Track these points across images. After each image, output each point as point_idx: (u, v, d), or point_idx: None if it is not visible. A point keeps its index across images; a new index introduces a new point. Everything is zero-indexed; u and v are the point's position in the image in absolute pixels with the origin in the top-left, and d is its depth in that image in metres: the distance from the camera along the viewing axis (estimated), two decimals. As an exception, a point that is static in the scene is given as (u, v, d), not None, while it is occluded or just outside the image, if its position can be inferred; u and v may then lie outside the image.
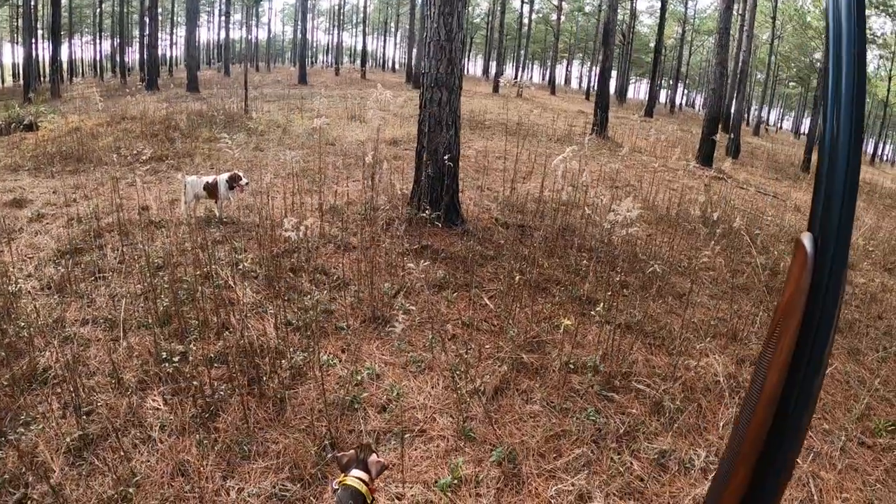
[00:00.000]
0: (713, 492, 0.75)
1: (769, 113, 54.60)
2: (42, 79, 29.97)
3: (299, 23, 33.27)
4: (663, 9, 30.25)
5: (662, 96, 48.83)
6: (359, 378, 3.52)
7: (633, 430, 3.24)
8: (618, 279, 4.95)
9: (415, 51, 30.65)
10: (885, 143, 49.55)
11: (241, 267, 5.07)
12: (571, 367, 3.75)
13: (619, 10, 21.82)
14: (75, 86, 30.39)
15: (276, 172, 8.57)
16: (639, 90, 69.95)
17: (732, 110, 21.69)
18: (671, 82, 47.41)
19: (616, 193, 8.63)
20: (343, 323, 4.19)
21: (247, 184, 6.56)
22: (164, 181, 8.59)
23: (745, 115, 37.86)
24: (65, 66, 41.06)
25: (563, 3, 43.01)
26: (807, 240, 0.64)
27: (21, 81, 25.53)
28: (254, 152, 10.84)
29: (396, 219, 6.12)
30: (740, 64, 21.13)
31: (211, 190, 6.47)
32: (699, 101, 65.27)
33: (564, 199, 5.93)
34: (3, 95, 26.42)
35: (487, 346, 3.98)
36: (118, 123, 13.24)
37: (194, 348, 3.78)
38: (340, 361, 3.72)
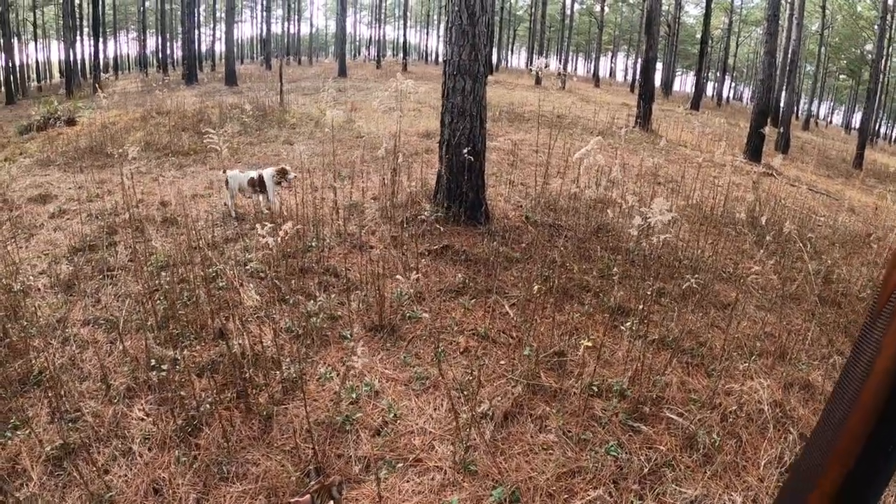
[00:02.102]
0: (794, 490, 0.67)
1: (819, 107, 52.33)
2: (86, 75, 30.70)
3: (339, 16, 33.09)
4: (709, -2, 29.12)
5: (709, 89, 47.41)
6: (354, 395, 3.19)
7: (659, 468, 2.80)
8: (654, 287, 4.50)
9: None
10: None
11: (249, 267, 4.83)
12: (595, 389, 3.32)
13: (663, -1, 20.98)
14: (119, 81, 30.99)
15: (301, 166, 8.36)
16: (685, 83, 68.07)
17: (782, 103, 20.67)
18: (718, 74, 45.96)
19: (657, 190, 8.12)
20: (347, 331, 3.87)
21: (294, 178, 6.31)
22: (188, 176, 8.46)
23: (795, 109, 36.25)
24: (111, 62, 42.24)
25: (607, -7, 42.03)
26: None
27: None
28: (283, 146, 10.68)
29: (417, 216, 5.78)
30: (790, 54, 20.13)
31: (256, 185, 6.23)
32: (747, 93, 63.32)
33: (591, 196, 5.48)
34: (49, 91, 27.16)
35: (502, 362, 3.57)
36: (152, 118, 13.25)
37: (187, 354, 3.54)
38: (338, 374, 3.39)
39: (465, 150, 5.56)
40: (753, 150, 13.90)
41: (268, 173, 6.21)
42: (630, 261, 5.29)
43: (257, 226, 2.64)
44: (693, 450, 2.97)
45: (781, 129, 18.16)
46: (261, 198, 6.35)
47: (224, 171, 6.33)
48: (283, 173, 6.17)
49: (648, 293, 4.11)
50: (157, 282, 4.54)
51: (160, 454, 2.81)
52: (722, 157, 11.68)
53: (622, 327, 3.93)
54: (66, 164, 9.18)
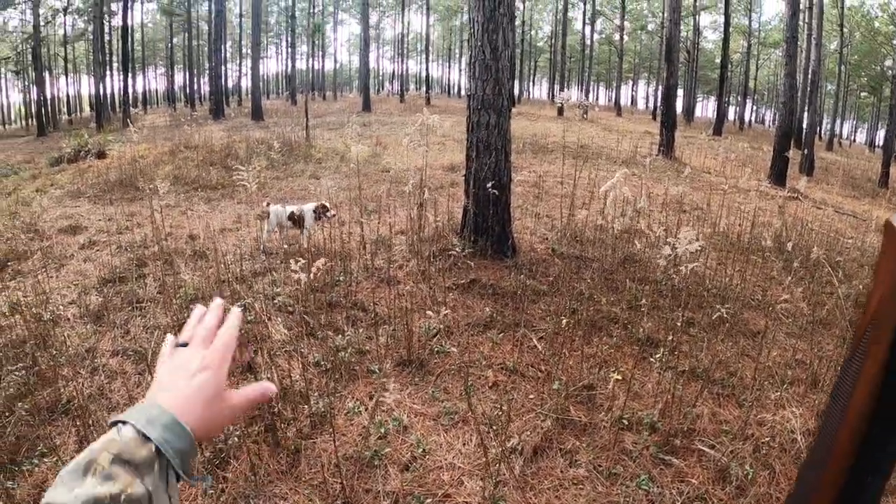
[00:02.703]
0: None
1: (842, 126, 51.77)
2: (115, 108, 31.62)
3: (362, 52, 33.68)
4: (727, 23, 29.17)
5: (731, 113, 47.24)
6: (383, 430, 3.19)
7: (692, 502, 2.75)
8: (683, 317, 4.46)
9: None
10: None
11: (277, 301, 4.89)
12: (625, 423, 3.28)
13: (681, 26, 21.07)
14: (148, 115, 31.83)
15: (329, 201, 8.49)
16: (706, 108, 67.99)
17: (804, 124, 20.46)
18: (739, 98, 45.78)
19: (683, 218, 8.08)
20: (375, 365, 3.89)
21: (334, 215, 6.35)
22: (216, 210, 8.62)
23: (818, 129, 35.86)
24: (140, 96, 43.52)
25: (626, 22, 42.34)
26: None
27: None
28: (310, 180, 10.84)
29: (445, 250, 5.82)
30: (810, 75, 19.98)
31: (296, 220, 6.33)
32: (769, 116, 63.03)
33: (618, 227, 5.47)
34: (79, 124, 28.00)
35: (531, 396, 3.55)
36: (181, 152, 13.57)
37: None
38: (367, 409, 3.41)
39: (491, 184, 5.61)
40: (778, 174, 13.76)
41: (308, 209, 6.29)
42: (658, 291, 5.26)
43: (291, 261, 2.69)
44: (726, 482, 2.91)
45: (805, 151, 17.99)
46: (300, 232, 6.44)
47: (267, 205, 6.43)
48: (323, 209, 6.22)
49: (678, 324, 4.08)
50: (185, 314, 4.60)
51: (187, 486, 2.80)
52: (747, 182, 11.64)
53: (652, 359, 3.88)
54: (96, 196, 9.41)
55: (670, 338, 4.14)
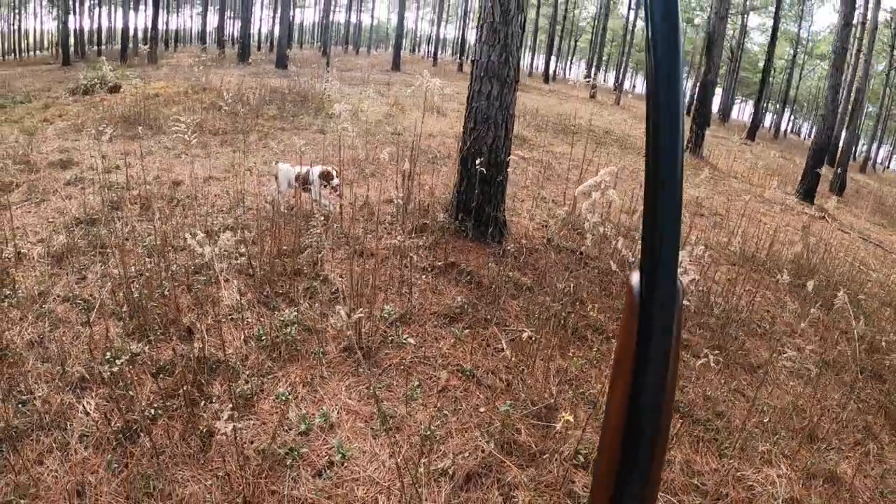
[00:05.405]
0: None
1: (878, 149, 50.09)
2: (147, 43, 31.25)
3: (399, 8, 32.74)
4: (775, 27, 27.85)
5: (767, 120, 45.89)
6: (304, 427, 2.80)
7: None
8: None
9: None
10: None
11: (238, 262, 4.51)
12: (581, 457, 2.83)
13: (727, 23, 20.12)
14: (177, 54, 31.41)
15: (326, 159, 8.03)
16: (743, 112, 66.09)
17: (841, 142, 19.49)
18: (778, 106, 44.39)
19: (698, 223, 7.55)
20: (319, 348, 3.49)
21: (338, 185, 5.56)
22: (211, 156, 8.23)
23: (854, 149, 34.61)
24: (173, 34, 43.26)
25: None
26: (634, 279, 0.56)
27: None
28: (315, 134, 10.42)
29: (428, 226, 5.36)
30: (854, 91, 18.97)
31: (302, 181, 5.70)
32: (805, 128, 61.38)
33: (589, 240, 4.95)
34: (108, 57, 27.55)
35: (482, 410, 3.10)
36: (194, 94, 13.17)
37: (148, 350, 3.26)
38: (296, 398, 3.02)
39: (480, 161, 5.09)
40: (807, 190, 13.05)
41: (315, 172, 5.64)
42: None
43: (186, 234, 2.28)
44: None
45: (839, 170, 17.15)
46: (310, 196, 5.83)
47: (276, 164, 6.03)
48: (327, 176, 5.52)
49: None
50: (140, 266, 4.26)
51: (94, 455, 2.60)
52: (773, 193, 11.01)
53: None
54: (98, 132, 9.08)
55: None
